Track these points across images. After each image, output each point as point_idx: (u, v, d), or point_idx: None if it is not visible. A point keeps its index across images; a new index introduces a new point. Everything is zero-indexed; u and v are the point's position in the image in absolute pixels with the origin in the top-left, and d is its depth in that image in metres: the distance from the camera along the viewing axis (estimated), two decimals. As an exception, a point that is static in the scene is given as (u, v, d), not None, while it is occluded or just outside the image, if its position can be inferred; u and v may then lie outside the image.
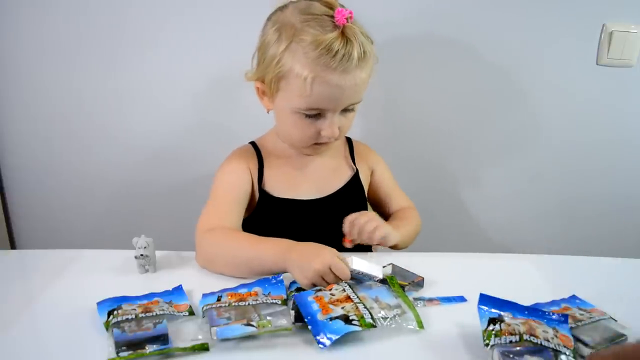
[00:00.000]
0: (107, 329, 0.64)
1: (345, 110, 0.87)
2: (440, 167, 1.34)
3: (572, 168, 1.33)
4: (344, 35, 0.79)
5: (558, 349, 0.58)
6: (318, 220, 0.95)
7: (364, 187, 1.02)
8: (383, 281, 0.75)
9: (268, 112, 0.93)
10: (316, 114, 0.85)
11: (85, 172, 1.34)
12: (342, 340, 0.63)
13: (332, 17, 0.79)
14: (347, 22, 0.79)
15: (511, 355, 0.57)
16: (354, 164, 1.01)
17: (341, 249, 0.80)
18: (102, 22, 1.21)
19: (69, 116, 1.29)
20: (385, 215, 1.06)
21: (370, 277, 0.74)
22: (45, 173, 1.34)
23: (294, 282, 0.76)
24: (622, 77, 1.23)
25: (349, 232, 0.85)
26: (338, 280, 0.72)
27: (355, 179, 1.00)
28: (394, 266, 0.82)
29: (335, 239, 0.81)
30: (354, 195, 1.00)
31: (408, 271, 0.80)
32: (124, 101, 1.28)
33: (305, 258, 0.74)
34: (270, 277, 0.75)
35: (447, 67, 1.25)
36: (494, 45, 1.22)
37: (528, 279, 0.83)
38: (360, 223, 0.84)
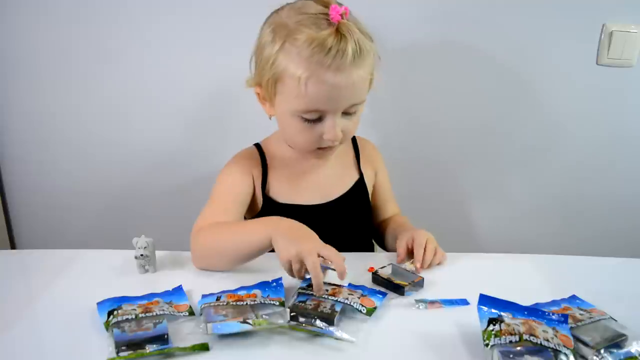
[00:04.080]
0: (107, 329, 0.65)
1: (347, 113, 0.84)
2: (440, 167, 1.34)
3: (572, 168, 1.33)
4: (338, 32, 0.76)
5: (558, 348, 0.58)
6: (322, 226, 0.94)
7: (369, 190, 1.01)
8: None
9: (270, 118, 0.90)
10: (316, 118, 0.82)
11: (86, 172, 1.34)
12: (339, 340, 0.63)
13: (328, 14, 0.77)
14: (342, 18, 0.76)
15: (511, 355, 0.57)
16: (359, 167, 1.00)
17: (342, 250, 0.79)
18: (103, 22, 1.21)
19: (69, 116, 1.29)
20: (375, 220, 1.06)
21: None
22: (45, 173, 1.34)
23: (306, 280, 0.75)
24: (622, 77, 1.23)
25: (420, 262, 0.83)
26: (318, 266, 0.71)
27: (360, 183, 0.99)
28: (393, 266, 0.82)
29: (339, 244, 0.80)
30: (359, 200, 0.99)
31: (408, 271, 0.80)
32: (124, 101, 1.27)
33: (294, 234, 0.75)
34: (270, 280, 0.75)
35: (446, 67, 1.24)
36: (493, 45, 1.22)
37: (528, 279, 0.83)
38: (430, 253, 0.84)
